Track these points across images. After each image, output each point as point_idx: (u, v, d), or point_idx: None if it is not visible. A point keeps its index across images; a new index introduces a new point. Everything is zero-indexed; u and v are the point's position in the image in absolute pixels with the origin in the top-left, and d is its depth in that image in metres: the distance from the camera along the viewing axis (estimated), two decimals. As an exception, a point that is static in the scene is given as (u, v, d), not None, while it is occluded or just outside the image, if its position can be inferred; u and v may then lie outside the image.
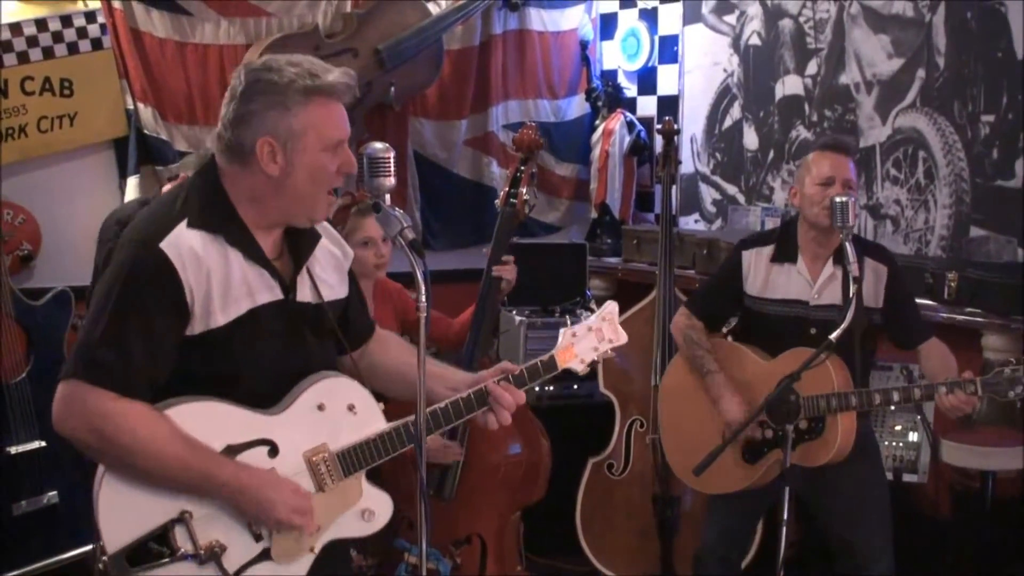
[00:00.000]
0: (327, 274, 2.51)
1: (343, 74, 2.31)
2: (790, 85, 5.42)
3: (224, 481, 2.23)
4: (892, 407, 4.12)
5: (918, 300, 3.77)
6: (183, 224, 2.24)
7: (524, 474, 4.02)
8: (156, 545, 2.23)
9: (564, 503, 4.51)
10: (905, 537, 3.69)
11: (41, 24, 4.87)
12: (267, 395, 2.35)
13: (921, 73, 4.75)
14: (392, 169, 2.37)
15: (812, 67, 5.29)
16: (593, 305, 5.42)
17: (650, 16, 6.28)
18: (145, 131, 5.18)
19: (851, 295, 3.24)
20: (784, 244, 3.66)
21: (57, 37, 4.91)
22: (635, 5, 6.36)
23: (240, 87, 2.28)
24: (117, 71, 5.10)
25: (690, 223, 6.03)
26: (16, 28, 4.80)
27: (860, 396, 3.35)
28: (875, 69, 4.96)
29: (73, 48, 4.96)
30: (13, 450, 4.30)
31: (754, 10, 5.60)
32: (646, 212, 6.34)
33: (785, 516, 3.25)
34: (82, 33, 4.98)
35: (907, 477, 4.26)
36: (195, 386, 2.27)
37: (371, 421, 2.45)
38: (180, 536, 2.24)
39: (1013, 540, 3.99)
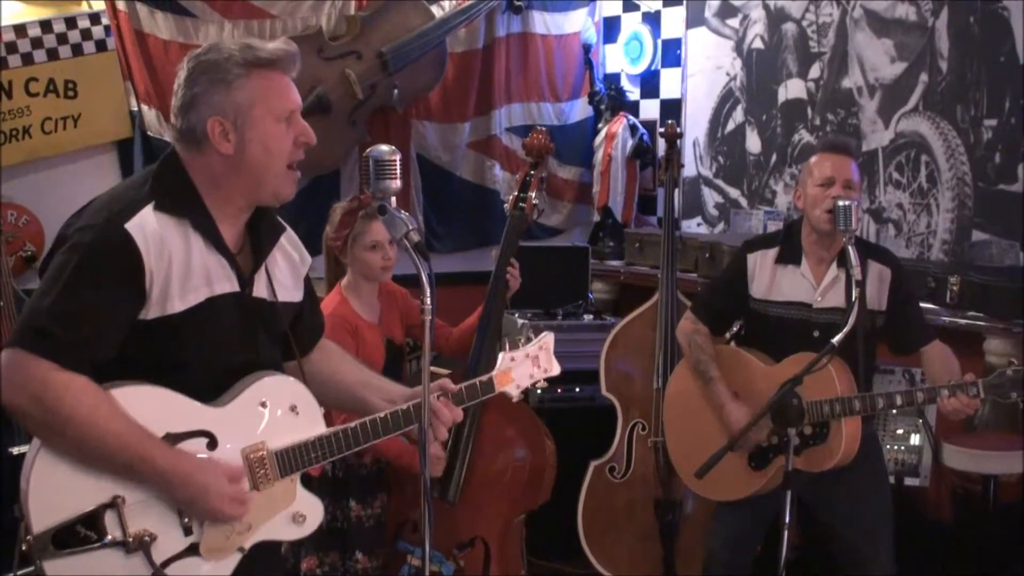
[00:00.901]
0: (283, 275, 2.49)
1: (283, 43, 2.32)
2: (793, 89, 5.42)
3: (160, 464, 2.18)
4: (894, 411, 4.13)
5: (920, 304, 3.77)
6: (150, 207, 2.22)
7: (529, 478, 4.03)
8: (84, 529, 2.17)
9: (566, 506, 4.51)
10: (907, 541, 3.70)
11: (46, 26, 4.88)
12: (212, 387, 2.32)
13: (924, 77, 4.75)
14: (398, 172, 2.37)
15: (815, 71, 5.29)
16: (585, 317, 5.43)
17: (653, 20, 6.28)
18: (149, 133, 5.20)
19: (853, 298, 3.24)
20: (788, 246, 3.66)
21: (61, 39, 4.93)
22: (638, 8, 6.36)
23: (184, 74, 2.30)
24: (121, 73, 5.12)
25: (692, 226, 6.03)
26: (21, 29, 4.81)
27: (863, 400, 3.35)
28: (878, 73, 4.96)
29: (77, 50, 4.97)
30: (15, 451, 4.31)
31: (757, 14, 5.60)
32: (648, 215, 6.34)
33: (787, 520, 3.25)
34: (86, 35, 4.99)
35: (909, 481, 4.26)
36: (140, 371, 2.23)
37: (312, 424, 2.43)
38: (110, 522, 2.18)
39: (1015, 544, 3.99)
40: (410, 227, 2.31)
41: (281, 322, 2.46)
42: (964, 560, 4.10)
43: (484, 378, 2.63)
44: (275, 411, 2.38)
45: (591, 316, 5.34)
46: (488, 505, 3.96)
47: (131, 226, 2.18)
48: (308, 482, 2.49)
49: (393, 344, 3.86)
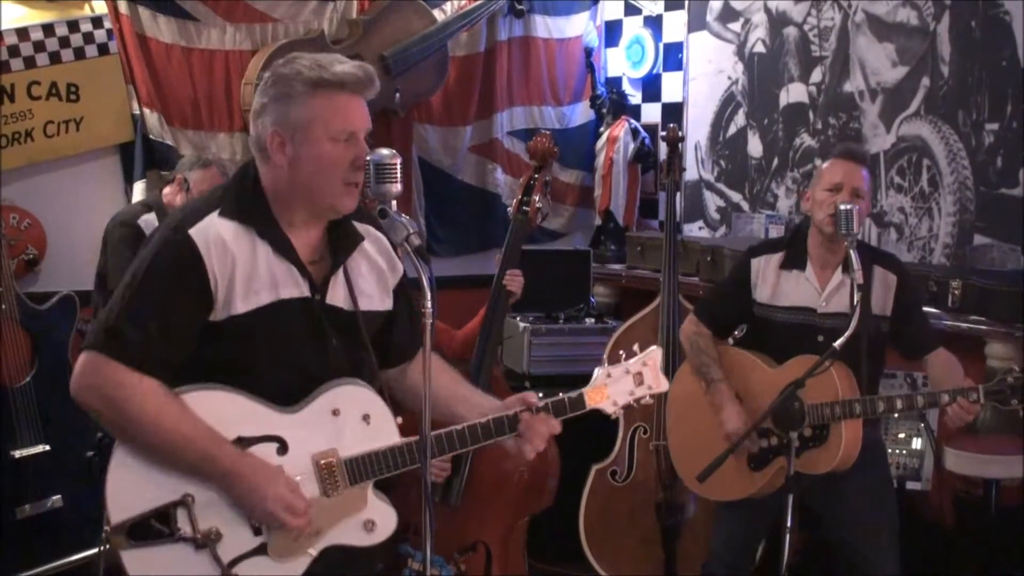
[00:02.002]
0: (367, 284, 2.51)
1: (355, 67, 2.35)
2: (794, 93, 5.43)
3: (223, 464, 2.27)
4: (896, 415, 4.13)
5: (924, 308, 3.77)
6: (215, 213, 2.31)
7: (531, 482, 4.02)
8: (157, 524, 2.28)
9: (568, 509, 4.50)
10: (909, 545, 3.69)
11: (48, 29, 4.89)
12: (285, 393, 2.37)
13: (925, 81, 4.75)
14: (399, 175, 2.37)
15: (816, 75, 5.29)
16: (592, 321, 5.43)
17: (655, 23, 6.29)
18: (151, 136, 5.20)
19: (855, 303, 3.24)
20: (793, 251, 3.66)
21: (64, 42, 4.94)
22: (640, 12, 6.37)
23: (261, 84, 2.36)
24: (123, 76, 5.13)
25: (694, 230, 6.04)
26: (23, 33, 4.82)
27: (864, 404, 3.35)
28: (879, 77, 4.97)
29: (80, 53, 4.98)
30: (17, 454, 4.31)
31: (759, 18, 5.61)
32: (650, 219, 6.34)
33: (789, 524, 3.24)
34: (89, 38, 5.00)
35: (911, 485, 4.26)
36: (214, 374, 2.32)
37: (384, 433, 2.44)
38: (181, 518, 2.29)
39: (1017, 548, 3.98)
40: (411, 231, 2.31)
41: (361, 330, 2.46)
42: (966, 564, 4.09)
43: (573, 394, 2.57)
44: (347, 419, 2.40)
45: (592, 319, 5.34)
46: (490, 509, 3.95)
47: (194, 231, 2.27)
48: (384, 486, 2.48)
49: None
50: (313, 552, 2.38)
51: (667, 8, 6.21)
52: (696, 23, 6.00)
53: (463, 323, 4.13)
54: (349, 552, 2.45)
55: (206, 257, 2.26)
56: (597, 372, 2.61)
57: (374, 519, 2.45)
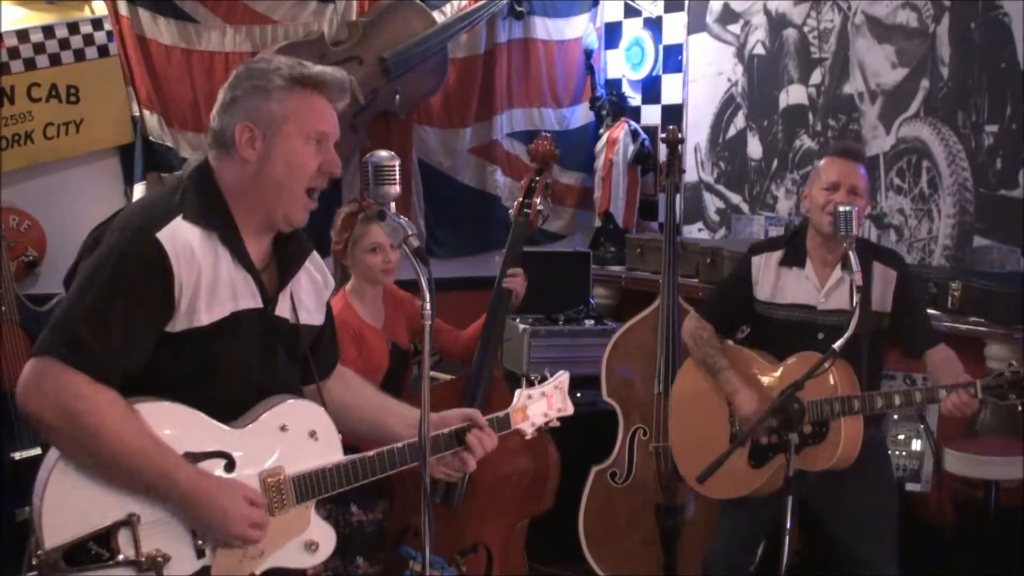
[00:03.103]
0: (307, 298, 2.48)
1: (334, 70, 2.31)
2: (794, 95, 5.43)
3: (182, 482, 2.15)
4: (895, 414, 4.13)
5: (924, 304, 3.77)
6: (180, 217, 2.21)
7: (532, 484, 4.03)
8: (96, 547, 2.12)
9: (567, 511, 4.50)
10: (908, 546, 3.69)
11: (48, 31, 4.89)
12: (232, 405, 2.30)
13: (925, 83, 4.75)
14: (397, 177, 2.37)
15: (816, 77, 5.30)
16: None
17: (654, 25, 6.29)
18: (151, 138, 5.20)
19: (855, 303, 3.24)
20: (793, 249, 3.67)
21: (64, 44, 4.93)
22: (640, 14, 6.37)
23: (231, 78, 2.30)
24: (123, 78, 5.12)
25: (694, 232, 6.04)
26: (23, 35, 4.82)
27: (862, 400, 3.35)
28: (879, 79, 4.97)
29: (80, 55, 4.98)
30: (17, 456, 4.31)
31: (758, 20, 5.61)
32: (650, 221, 6.34)
33: (788, 524, 3.25)
34: (89, 40, 5.00)
35: (910, 486, 4.26)
36: (164, 385, 2.21)
37: (331, 450, 2.41)
38: (123, 540, 2.14)
39: (1017, 549, 3.98)
40: (409, 232, 2.30)
41: (301, 344, 2.44)
42: (965, 565, 4.09)
43: (501, 414, 2.66)
44: (294, 436, 2.35)
45: (592, 321, 5.34)
46: (491, 511, 3.96)
47: (163, 235, 2.16)
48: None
49: (398, 349, 3.86)
50: (257, 574, 2.31)
51: (667, 10, 6.22)
52: (696, 25, 6.01)
53: (462, 325, 4.14)
54: (289, 575, 2.41)
55: (175, 264, 2.16)
56: (519, 394, 2.69)
57: (316, 540, 2.41)
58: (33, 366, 2.12)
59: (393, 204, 2.37)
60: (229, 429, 2.28)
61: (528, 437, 2.71)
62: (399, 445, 2.47)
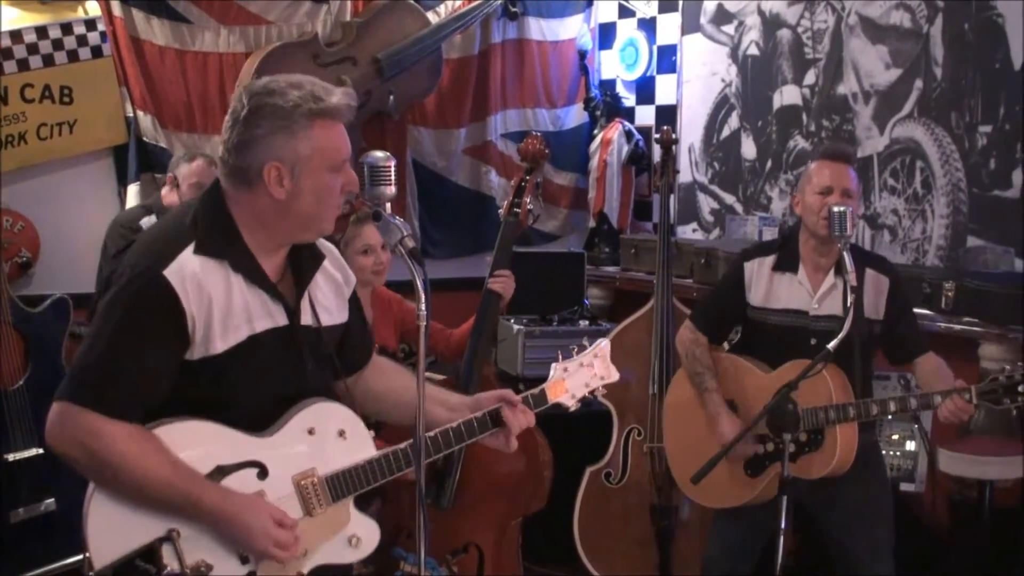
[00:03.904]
0: (327, 299, 2.49)
1: (345, 95, 2.32)
2: (788, 95, 5.43)
3: (206, 505, 2.22)
4: (889, 417, 4.13)
5: (915, 310, 3.78)
6: (189, 249, 2.23)
7: (524, 484, 4.02)
8: (143, 563, 2.21)
9: (562, 511, 4.50)
10: (903, 546, 3.69)
11: (41, 31, 4.89)
12: (261, 418, 2.35)
13: (919, 83, 4.76)
14: (393, 178, 2.37)
15: (810, 77, 5.30)
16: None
17: (648, 26, 6.29)
18: (144, 139, 5.20)
19: (848, 304, 3.24)
20: (785, 254, 3.66)
21: (57, 45, 4.93)
22: (634, 15, 6.37)
23: (243, 111, 2.25)
24: (117, 79, 5.12)
25: (688, 232, 6.04)
26: (16, 35, 4.82)
27: (858, 407, 3.35)
28: (873, 79, 4.97)
29: (73, 56, 4.98)
30: (11, 457, 4.30)
31: (752, 20, 5.62)
32: (644, 221, 6.35)
33: (783, 526, 3.25)
34: (82, 41, 4.99)
35: (904, 486, 4.26)
36: (189, 407, 2.27)
37: (361, 447, 2.44)
38: (167, 554, 2.23)
39: (1011, 549, 3.99)
40: (404, 233, 2.30)
41: (325, 346, 2.46)
42: (960, 565, 4.10)
43: (536, 391, 2.63)
44: (323, 437, 2.39)
45: (587, 322, 5.33)
46: (482, 511, 3.95)
47: (169, 272, 2.19)
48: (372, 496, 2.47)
49: (386, 351, 3.85)
50: (304, 573, 2.36)
51: (661, 10, 6.22)
52: (690, 25, 6.01)
53: (457, 326, 4.13)
54: (336, 570, 2.45)
55: (183, 298, 2.19)
56: (554, 367, 2.68)
57: (358, 534, 2.45)
58: (54, 409, 2.20)
59: (388, 205, 2.37)
60: (258, 439, 2.33)
61: (572, 408, 2.69)
62: (430, 434, 2.48)
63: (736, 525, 3.74)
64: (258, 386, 2.33)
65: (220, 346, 2.25)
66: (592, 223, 6.31)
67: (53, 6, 4.94)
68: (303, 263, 2.42)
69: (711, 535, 3.90)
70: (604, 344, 2.71)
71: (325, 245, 2.51)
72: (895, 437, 4.30)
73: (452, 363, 4.20)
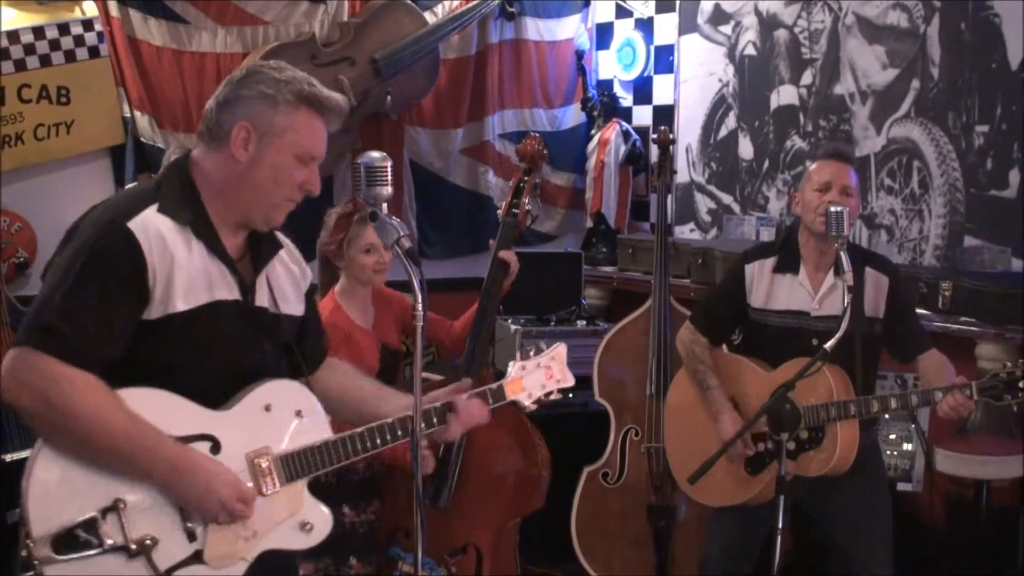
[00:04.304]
0: (285, 287, 2.50)
1: (340, 98, 2.37)
2: (785, 95, 5.44)
3: (166, 455, 2.18)
4: (888, 416, 4.14)
5: (916, 309, 3.78)
6: (154, 208, 2.25)
7: (522, 484, 4.02)
8: (84, 534, 2.15)
9: (559, 511, 4.50)
10: (900, 546, 3.70)
11: (38, 32, 4.88)
12: (218, 393, 2.32)
13: (916, 83, 4.77)
14: (390, 178, 2.37)
15: (807, 77, 5.30)
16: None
17: (646, 26, 6.30)
18: (142, 139, 5.20)
19: (845, 305, 3.24)
20: (786, 254, 3.66)
21: (54, 45, 4.93)
22: (631, 15, 6.38)
23: (239, 75, 2.33)
24: (114, 79, 5.12)
25: (685, 232, 6.05)
26: (13, 36, 4.81)
27: (858, 404, 3.35)
28: (870, 79, 4.98)
29: (70, 56, 4.97)
30: (8, 458, 4.30)
31: (749, 20, 5.62)
32: (641, 221, 6.35)
33: (780, 525, 3.25)
34: (79, 41, 4.99)
35: (902, 486, 4.26)
36: (148, 375, 2.24)
37: (318, 429, 2.42)
38: (111, 526, 2.17)
39: (1008, 549, 3.99)
40: (401, 233, 2.31)
41: (285, 332, 2.46)
42: (957, 564, 4.11)
43: (494, 386, 2.64)
44: (280, 415, 2.36)
45: (584, 322, 5.34)
46: (480, 511, 3.95)
47: (133, 224, 2.20)
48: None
49: (388, 349, 3.86)
50: (249, 557, 2.31)
51: (658, 11, 6.22)
52: (687, 26, 6.01)
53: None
54: (284, 556, 2.42)
55: (146, 252, 2.19)
56: (512, 365, 2.68)
57: (312, 521, 2.40)
58: (10, 356, 2.15)
59: (385, 205, 2.37)
60: (213, 412, 2.29)
61: (528, 409, 2.70)
62: (388, 420, 2.47)
63: (735, 524, 3.74)
64: (215, 356, 2.31)
65: (181, 305, 2.23)
66: (589, 223, 6.31)
67: (50, 6, 4.94)
68: (262, 247, 2.43)
69: (709, 534, 3.90)
70: (561, 348, 2.72)
71: (286, 241, 2.54)
72: (892, 437, 4.30)
73: (453, 355, 4.19)
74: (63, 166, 5.09)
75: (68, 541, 2.14)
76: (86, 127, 5.07)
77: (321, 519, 2.41)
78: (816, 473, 3.43)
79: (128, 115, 5.17)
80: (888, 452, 4.26)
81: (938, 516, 4.35)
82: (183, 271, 2.24)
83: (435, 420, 2.54)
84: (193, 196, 2.31)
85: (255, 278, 2.40)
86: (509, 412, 4.14)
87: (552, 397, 2.72)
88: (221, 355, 2.32)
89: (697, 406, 3.72)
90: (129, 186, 5.12)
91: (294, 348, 2.48)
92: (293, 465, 2.35)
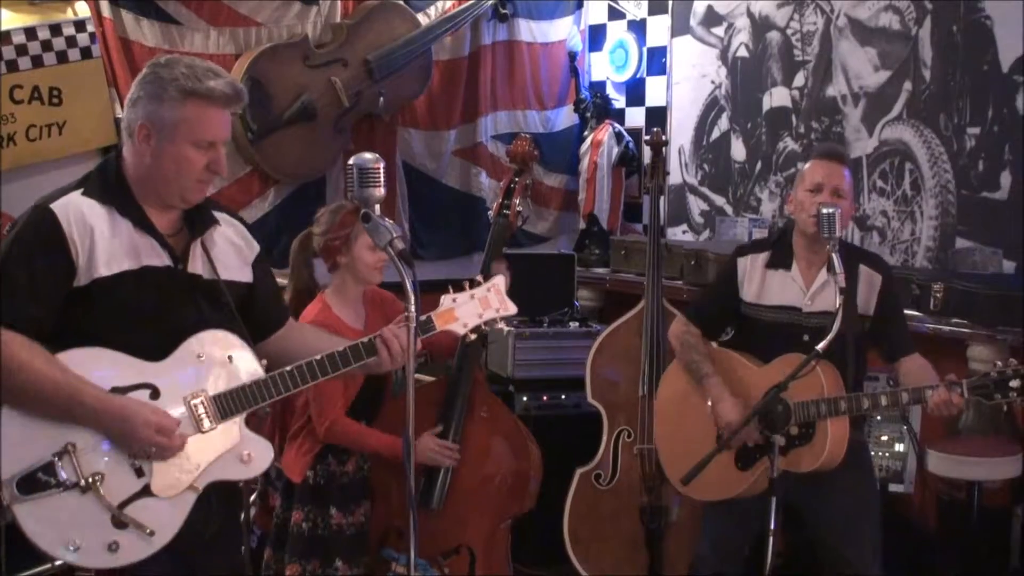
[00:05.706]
0: (227, 257, 2.72)
1: (227, 84, 2.57)
2: (777, 97, 5.45)
3: (90, 403, 2.44)
4: (878, 415, 4.15)
5: (904, 311, 3.79)
6: (78, 192, 2.55)
7: (513, 485, 4.02)
8: (44, 476, 2.43)
9: (552, 513, 4.50)
10: (891, 547, 3.71)
11: (30, 32, 4.87)
12: (160, 351, 2.56)
13: (907, 85, 4.78)
14: (382, 179, 2.38)
15: (799, 79, 5.31)
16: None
17: (638, 28, 6.30)
18: (134, 140, 5.18)
19: (838, 305, 3.25)
20: (779, 250, 3.67)
21: (46, 46, 4.91)
22: (623, 17, 6.38)
23: (140, 76, 2.58)
24: (106, 80, 5.10)
25: (678, 234, 6.05)
26: (5, 36, 4.79)
27: (849, 400, 3.36)
28: (862, 81, 4.99)
29: (62, 57, 4.96)
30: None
31: (742, 22, 5.63)
32: (634, 223, 6.35)
33: (772, 526, 3.25)
34: (71, 42, 4.97)
35: (893, 487, 4.27)
36: (90, 337, 2.50)
37: (249, 371, 2.64)
38: (66, 467, 2.44)
39: (999, 549, 4.00)
40: (394, 234, 2.32)
41: (225, 296, 2.66)
42: (948, 565, 4.11)
43: (422, 317, 2.72)
44: (212, 361, 2.60)
45: (577, 323, 5.34)
46: (473, 512, 3.95)
47: (56, 206, 2.50)
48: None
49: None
50: (198, 487, 2.55)
51: (651, 12, 6.23)
52: (680, 27, 6.02)
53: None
54: (227, 487, 2.68)
55: (66, 227, 2.46)
56: (443, 299, 2.77)
57: (250, 452, 2.63)
58: None
59: (377, 206, 2.38)
60: (150, 364, 2.55)
61: (466, 338, 2.82)
62: (316, 357, 2.66)
63: (726, 522, 3.74)
64: (149, 318, 2.55)
65: (104, 271, 2.49)
66: (582, 225, 6.31)
67: (42, 7, 4.92)
68: (195, 221, 2.67)
69: (702, 532, 3.90)
70: (498, 278, 2.83)
71: (228, 219, 2.77)
72: (884, 438, 4.31)
73: (446, 356, 4.18)
74: (55, 167, 5.06)
75: (30, 483, 2.43)
76: (78, 128, 5.05)
77: (260, 451, 2.65)
78: (807, 469, 3.43)
79: (120, 116, 5.15)
80: (880, 453, 4.27)
81: (930, 517, 4.36)
82: (104, 241, 2.50)
83: (364, 353, 2.69)
84: (121, 182, 2.58)
85: (189, 245, 2.63)
86: (501, 414, 4.16)
87: (496, 326, 2.82)
88: (155, 315, 2.56)
89: (688, 401, 3.72)
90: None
91: (233, 312, 2.66)
92: (226, 404, 2.59)
